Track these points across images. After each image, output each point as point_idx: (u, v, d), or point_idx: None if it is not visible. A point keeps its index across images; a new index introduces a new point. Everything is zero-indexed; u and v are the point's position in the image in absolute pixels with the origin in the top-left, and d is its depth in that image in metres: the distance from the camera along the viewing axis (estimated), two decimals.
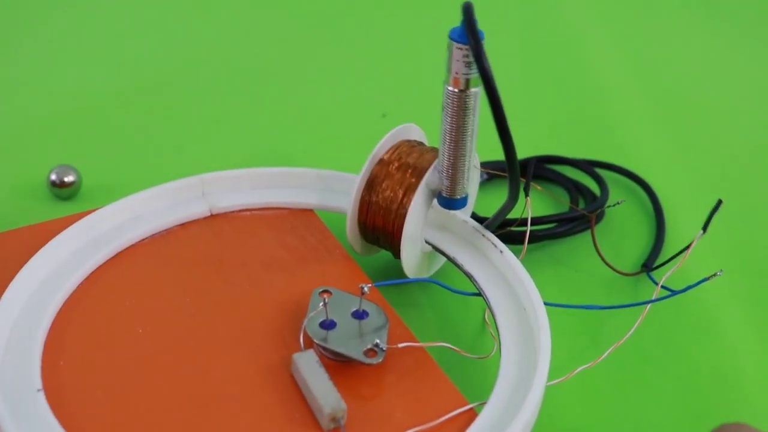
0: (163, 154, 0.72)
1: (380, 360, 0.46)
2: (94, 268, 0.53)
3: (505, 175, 0.52)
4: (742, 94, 0.84)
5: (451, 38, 0.46)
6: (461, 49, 0.46)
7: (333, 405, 0.43)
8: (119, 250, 0.55)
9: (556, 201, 0.66)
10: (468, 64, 0.47)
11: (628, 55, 0.88)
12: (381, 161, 0.55)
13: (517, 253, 0.53)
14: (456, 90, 0.48)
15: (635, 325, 0.51)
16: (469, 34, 0.44)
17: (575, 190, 0.66)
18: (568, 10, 0.95)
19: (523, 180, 0.54)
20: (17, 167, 0.69)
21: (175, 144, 0.73)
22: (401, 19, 0.94)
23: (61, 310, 0.50)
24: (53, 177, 0.65)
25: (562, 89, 0.83)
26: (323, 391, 0.44)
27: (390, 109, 0.78)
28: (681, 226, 0.64)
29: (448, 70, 0.48)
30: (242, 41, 0.88)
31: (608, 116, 0.78)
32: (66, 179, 0.65)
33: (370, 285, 0.48)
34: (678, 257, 0.55)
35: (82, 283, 0.52)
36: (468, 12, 0.44)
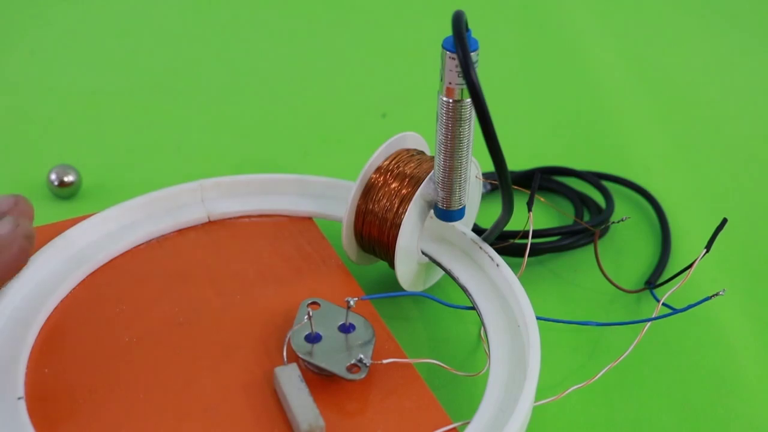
0: (162, 154, 0.72)
1: (363, 376, 0.45)
2: (88, 273, 0.53)
3: (518, 188, 0.51)
4: (752, 102, 0.81)
5: (444, 47, 0.45)
6: (454, 58, 0.45)
7: (311, 422, 0.42)
8: (114, 256, 0.54)
9: (560, 213, 0.64)
10: (461, 74, 0.45)
11: (633, 62, 0.86)
12: (379, 169, 0.54)
13: (518, 266, 0.52)
14: (450, 100, 0.47)
15: (632, 345, 0.49)
16: (457, 44, 0.43)
17: (580, 202, 0.64)
18: (571, 17, 0.93)
19: (527, 192, 0.52)
20: (17, 167, 0.69)
21: (174, 144, 0.73)
22: (401, 18, 0.93)
23: (51, 315, 0.50)
24: (53, 177, 0.65)
25: (566, 97, 0.81)
26: (302, 407, 0.43)
27: (390, 110, 0.77)
28: (688, 242, 0.63)
29: (442, 79, 0.46)
30: (242, 42, 0.88)
31: (613, 126, 0.77)
32: (66, 179, 0.65)
33: (356, 298, 0.47)
34: (681, 275, 0.53)
35: (75, 289, 0.52)
36: (458, 21, 0.43)
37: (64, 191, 0.65)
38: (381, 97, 0.80)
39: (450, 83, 0.46)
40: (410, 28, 0.91)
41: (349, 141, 0.74)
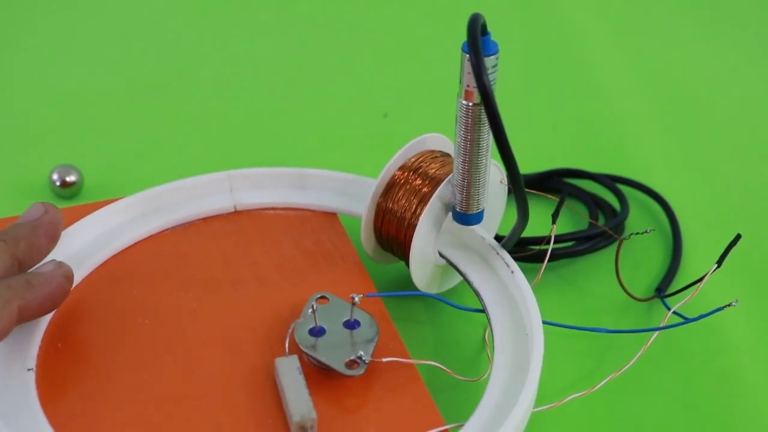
0: (164, 154, 0.72)
1: (360, 372, 0.46)
2: (111, 255, 0.54)
3: (533, 192, 0.51)
4: (765, 106, 0.80)
5: (463, 50, 0.45)
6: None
7: (303, 413, 0.43)
8: (138, 239, 0.56)
9: (573, 216, 0.64)
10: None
11: (642, 66, 0.84)
12: (402, 167, 0.54)
13: (530, 271, 0.52)
14: (469, 103, 0.47)
15: (637, 355, 0.49)
16: (470, 47, 0.43)
17: (594, 205, 0.64)
18: (578, 18, 0.91)
19: (541, 194, 0.52)
20: (19, 167, 0.69)
21: (176, 144, 0.73)
22: (402, 18, 0.92)
23: (72, 293, 0.51)
24: (55, 177, 0.65)
25: (573, 100, 0.80)
26: (296, 399, 0.44)
27: (391, 109, 0.76)
28: (698, 246, 0.62)
29: (461, 82, 0.46)
30: (243, 41, 0.87)
31: (622, 129, 0.76)
32: (68, 179, 0.65)
33: (361, 295, 0.48)
34: (691, 288, 0.52)
35: (96, 269, 0.53)
36: (473, 24, 0.43)
37: (66, 191, 0.65)
38: (382, 97, 0.79)
39: (468, 86, 0.46)
40: (412, 27, 0.90)
41: (350, 141, 0.73)
